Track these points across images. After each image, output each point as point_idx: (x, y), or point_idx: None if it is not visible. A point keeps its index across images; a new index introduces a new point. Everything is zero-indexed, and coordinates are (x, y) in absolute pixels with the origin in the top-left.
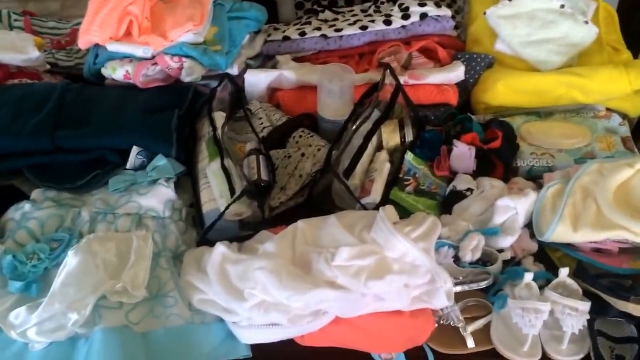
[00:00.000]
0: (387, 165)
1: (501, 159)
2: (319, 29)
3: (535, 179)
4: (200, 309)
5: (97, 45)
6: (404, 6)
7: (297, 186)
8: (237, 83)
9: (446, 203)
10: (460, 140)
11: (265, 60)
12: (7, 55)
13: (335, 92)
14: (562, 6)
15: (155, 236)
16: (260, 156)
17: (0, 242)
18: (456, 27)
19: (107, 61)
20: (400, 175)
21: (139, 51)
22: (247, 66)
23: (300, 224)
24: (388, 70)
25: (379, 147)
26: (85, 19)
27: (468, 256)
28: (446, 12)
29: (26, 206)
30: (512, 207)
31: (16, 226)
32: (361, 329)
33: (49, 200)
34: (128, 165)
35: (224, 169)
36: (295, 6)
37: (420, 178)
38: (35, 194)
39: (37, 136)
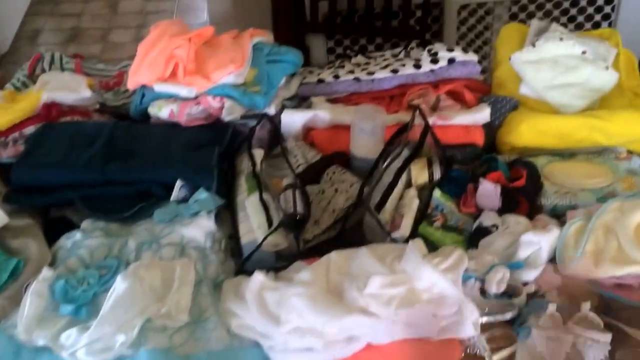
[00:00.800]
0: (416, 202)
1: (526, 197)
2: (352, 72)
3: (559, 217)
4: (238, 334)
5: (143, 86)
6: (433, 51)
7: (331, 220)
8: (275, 122)
9: (472, 238)
10: (486, 178)
11: (301, 101)
12: (61, 95)
13: (367, 132)
14: (584, 52)
15: (197, 265)
16: (297, 190)
17: (52, 268)
18: (482, 72)
19: (153, 100)
20: (429, 212)
21: (183, 91)
22: (284, 107)
23: (334, 255)
24: (418, 112)
25: (408, 185)
26: (135, 62)
27: (494, 288)
28: (473, 57)
29: (77, 235)
30: (536, 242)
31: (67, 254)
32: (391, 356)
33: (98, 230)
34: (172, 198)
35: (263, 202)
36: (327, 51)
37: (448, 214)
38: (85, 224)
39: (89, 169)
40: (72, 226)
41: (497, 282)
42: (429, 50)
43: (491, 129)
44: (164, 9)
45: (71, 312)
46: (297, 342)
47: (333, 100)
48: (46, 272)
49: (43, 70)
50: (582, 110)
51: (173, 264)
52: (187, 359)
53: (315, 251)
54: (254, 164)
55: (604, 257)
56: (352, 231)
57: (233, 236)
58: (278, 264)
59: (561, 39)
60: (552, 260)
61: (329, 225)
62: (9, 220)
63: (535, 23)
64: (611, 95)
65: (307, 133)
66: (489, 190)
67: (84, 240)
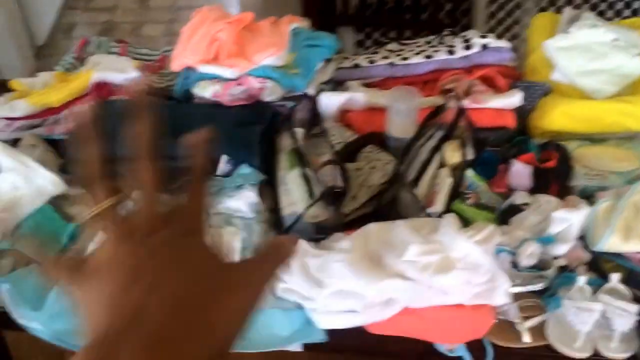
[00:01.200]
0: (449, 180)
1: (556, 178)
2: (386, 57)
3: (588, 198)
4: (282, 297)
5: (187, 68)
6: (466, 37)
7: (367, 196)
8: (315, 103)
9: (504, 216)
10: (518, 159)
11: (336, 85)
12: (110, 75)
13: (402, 112)
14: (615, 40)
15: (242, 233)
16: (336, 165)
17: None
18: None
19: (197, 81)
20: (462, 190)
21: (226, 73)
22: (320, 90)
23: (372, 226)
24: (452, 95)
25: (441, 165)
26: (179, 45)
27: (525, 261)
28: (506, 43)
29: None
30: (567, 219)
31: None
32: (426, 320)
33: None
34: (217, 172)
35: (305, 176)
36: (355, 44)
37: (480, 193)
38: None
39: None
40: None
41: (528, 255)
42: (463, 37)
43: (523, 113)
44: (195, 4)
45: None
46: (339, 304)
47: (368, 85)
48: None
49: (90, 54)
50: (612, 96)
51: (220, 231)
52: None
53: (352, 225)
54: (296, 140)
55: (633, 233)
56: (388, 207)
57: (273, 210)
58: (317, 235)
59: (594, 26)
60: (582, 237)
61: (365, 200)
62: (66, 188)
63: (567, 11)
64: None
65: (343, 115)
66: (520, 171)
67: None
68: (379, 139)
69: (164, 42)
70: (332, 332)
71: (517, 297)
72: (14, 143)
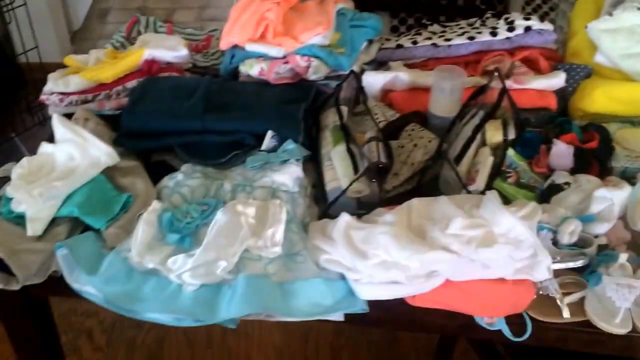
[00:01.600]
0: (491, 159)
1: (597, 159)
2: (429, 38)
3: (628, 179)
4: (325, 268)
5: (234, 47)
6: (509, 19)
7: (409, 173)
8: (360, 80)
9: (545, 195)
10: (560, 140)
11: (378, 66)
12: (161, 52)
13: (446, 91)
14: None
15: (287, 206)
16: (380, 142)
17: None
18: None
19: (243, 60)
20: (503, 169)
21: (273, 51)
22: (363, 70)
23: (415, 201)
24: (496, 75)
25: (483, 144)
26: (228, 24)
27: (566, 239)
28: (549, 26)
29: (179, 176)
30: (609, 198)
31: (170, 192)
32: (468, 293)
33: (198, 172)
34: (263, 147)
35: (350, 151)
36: (390, 29)
37: (521, 172)
38: (185, 167)
39: (190, 118)
40: (170, 170)
41: (569, 233)
42: (506, 19)
43: (564, 95)
44: None
45: (177, 240)
46: (382, 275)
47: (410, 66)
48: (155, 204)
49: (139, 33)
50: None
51: (267, 203)
52: (280, 286)
53: (394, 201)
54: (341, 117)
55: None
56: (429, 184)
57: (316, 185)
58: (359, 210)
59: (639, 9)
60: (622, 217)
61: (407, 177)
62: (119, 160)
63: None
64: None
65: (385, 95)
66: (562, 151)
67: (186, 180)
68: (421, 118)
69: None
70: (372, 305)
71: (557, 273)
72: (67, 118)
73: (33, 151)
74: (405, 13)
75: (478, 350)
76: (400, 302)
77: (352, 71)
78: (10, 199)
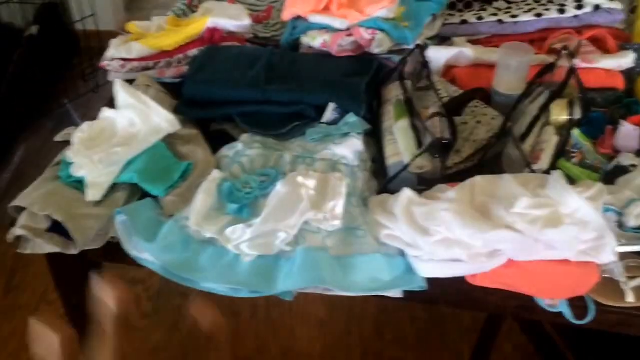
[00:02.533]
0: (555, 138)
1: None
2: (495, 14)
3: None
4: (385, 243)
5: (296, 18)
6: None
7: (472, 150)
8: (424, 55)
9: (610, 176)
10: (627, 121)
11: (441, 41)
12: (224, 21)
13: (512, 68)
14: None
15: (347, 180)
16: (443, 118)
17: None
18: None
19: (305, 31)
20: (567, 148)
21: (336, 23)
22: (426, 45)
23: (478, 178)
24: (564, 53)
25: (548, 123)
26: None
27: (632, 222)
28: (618, 5)
29: (239, 146)
30: None
31: (230, 162)
32: (530, 273)
33: (257, 142)
34: (324, 119)
35: (414, 125)
36: (448, 7)
37: (586, 153)
38: (245, 137)
39: (252, 87)
40: (229, 140)
41: (636, 215)
42: None
43: (631, 76)
44: None
45: (235, 211)
46: (444, 253)
47: (474, 42)
48: (215, 174)
49: (200, 1)
50: None
51: (327, 176)
52: (339, 260)
53: (455, 178)
54: (406, 90)
55: None
56: (491, 162)
57: (376, 160)
58: (419, 186)
59: None
60: None
61: (470, 154)
62: (180, 127)
63: None
64: None
65: (448, 71)
66: (629, 132)
67: (245, 150)
68: (484, 95)
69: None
70: (432, 281)
71: (622, 256)
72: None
73: (85, 118)
74: None
75: (526, 329)
76: (458, 281)
77: (417, 45)
78: (69, 164)
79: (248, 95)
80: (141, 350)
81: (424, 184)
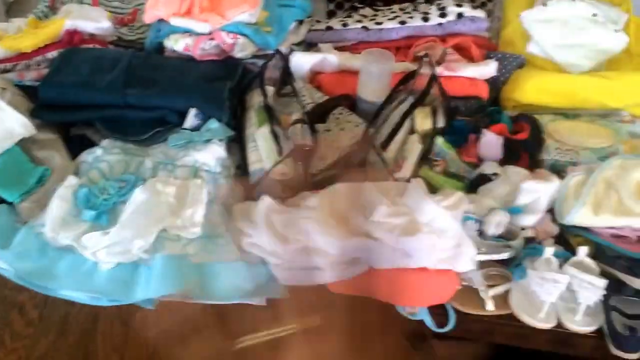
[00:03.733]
0: (419, 146)
1: (527, 151)
2: (360, 21)
3: (558, 172)
4: (247, 251)
5: (160, 21)
6: (441, 6)
7: (335, 157)
8: (287, 60)
9: (473, 185)
10: (490, 129)
11: (308, 48)
12: (83, 23)
13: (375, 75)
14: (595, 15)
15: (209, 186)
16: (305, 125)
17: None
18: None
19: (169, 34)
20: (430, 156)
21: (198, 27)
22: (292, 51)
23: (339, 185)
24: (425, 61)
25: (411, 132)
26: None
27: (492, 230)
28: (481, 13)
29: (98, 151)
30: (536, 190)
31: (88, 167)
32: (390, 282)
33: (117, 148)
34: (186, 125)
35: (274, 132)
36: (327, 14)
37: (449, 161)
38: (105, 142)
39: (110, 91)
40: (90, 145)
41: (496, 224)
42: (438, 4)
43: (496, 85)
44: None
45: (92, 217)
46: (304, 261)
47: (340, 49)
48: (71, 179)
49: (63, 3)
50: (588, 71)
51: (187, 182)
52: (199, 267)
53: (319, 185)
54: (266, 96)
55: (604, 208)
56: (356, 169)
57: (240, 167)
58: (284, 193)
59: (573, 0)
60: (550, 211)
61: (333, 161)
62: (36, 132)
63: None
64: (619, 60)
65: (314, 77)
66: (491, 141)
67: (105, 155)
68: (349, 102)
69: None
70: (293, 289)
71: (482, 265)
72: None
73: None
74: None
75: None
76: (321, 288)
77: (277, 50)
78: None
79: (106, 99)
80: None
81: (288, 191)
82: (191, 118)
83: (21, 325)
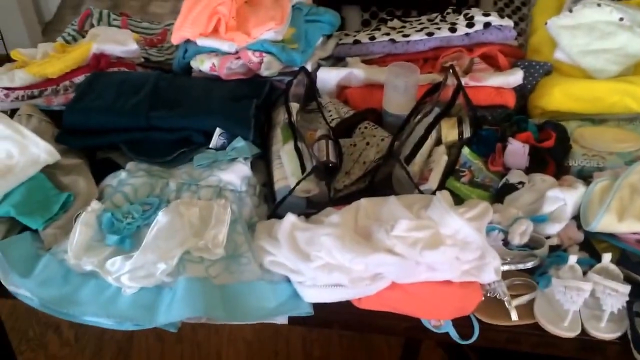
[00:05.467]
0: (445, 158)
1: (553, 158)
2: (387, 34)
3: (585, 179)
4: (270, 270)
5: (187, 41)
6: (469, 15)
7: (361, 172)
8: (311, 77)
9: (499, 194)
10: (516, 138)
11: (336, 61)
12: (110, 46)
13: (400, 88)
14: (621, 19)
15: (232, 206)
16: (330, 141)
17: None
18: (519, 35)
19: (195, 55)
20: (457, 167)
21: (224, 46)
22: (319, 65)
23: (363, 201)
24: (451, 72)
25: (438, 142)
26: (179, 18)
27: (516, 240)
28: (509, 22)
29: (122, 174)
30: (561, 198)
31: (113, 191)
32: (414, 296)
33: (142, 170)
34: (211, 145)
35: (297, 149)
36: (361, 23)
37: (475, 171)
38: (130, 165)
39: (134, 115)
40: (116, 168)
41: (520, 233)
42: (465, 15)
43: (523, 93)
44: None
45: (116, 242)
46: (325, 278)
47: (368, 62)
48: (95, 205)
49: (92, 26)
50: (615, 76)
51: (211, 203)
52: (222, 289)
53: (344, 200)
54: (290, 113)
55: (628, 213)
56: (381, 183)
57: (267, 184)
58: (309, 210)
59: (599, 5)
60: (576, 218)
61: (359, 176)
62: (60, 158)
63: None
64: None
65: (341, 91)
66: (517, 149)
67: (129, 179)
68: (376, 116)
69: (171, 20)
70: (319, 306)
71: (507, 275)
72: (12, 113)
73: None
74: (376, 7)
75: (443, 346)
76: (346, 304)
77: (301, 67)
78: None
79: (130, 122)
80: None
81: (313, 207)
82: (216, 137)
83: (57, 346)
